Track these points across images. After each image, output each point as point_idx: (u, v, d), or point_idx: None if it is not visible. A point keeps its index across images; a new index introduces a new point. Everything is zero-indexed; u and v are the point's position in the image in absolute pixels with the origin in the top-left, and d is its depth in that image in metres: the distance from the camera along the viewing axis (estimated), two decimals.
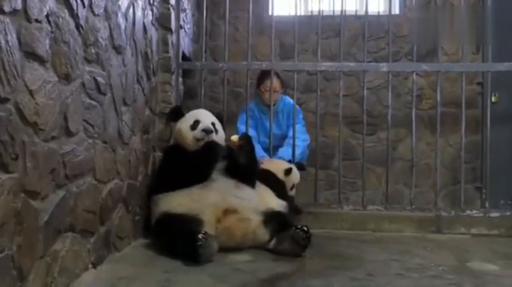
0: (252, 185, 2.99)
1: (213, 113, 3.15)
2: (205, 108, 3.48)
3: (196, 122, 2.96)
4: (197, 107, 3.52)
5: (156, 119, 3.26)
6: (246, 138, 3.02)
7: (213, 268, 2.32)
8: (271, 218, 2.74)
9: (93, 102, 2.18)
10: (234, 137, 3.04)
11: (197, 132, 2.92)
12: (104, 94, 2.30)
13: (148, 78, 3.06)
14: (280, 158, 3.57)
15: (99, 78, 2.22)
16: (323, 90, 4.29)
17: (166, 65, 3.35)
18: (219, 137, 3.01)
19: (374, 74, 4.40)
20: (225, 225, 2.65)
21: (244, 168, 2.95)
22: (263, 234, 2.69)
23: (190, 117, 3.02)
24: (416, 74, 3.56)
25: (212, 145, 2.88)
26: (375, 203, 3.57)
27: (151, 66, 3.10)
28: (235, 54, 4.23)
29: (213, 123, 3.00)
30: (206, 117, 3.03)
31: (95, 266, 2.22)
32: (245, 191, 2.91)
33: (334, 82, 4.29)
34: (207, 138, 2.89)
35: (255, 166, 3.11)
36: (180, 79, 3.58)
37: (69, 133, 1.94)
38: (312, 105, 3.96)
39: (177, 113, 3.07)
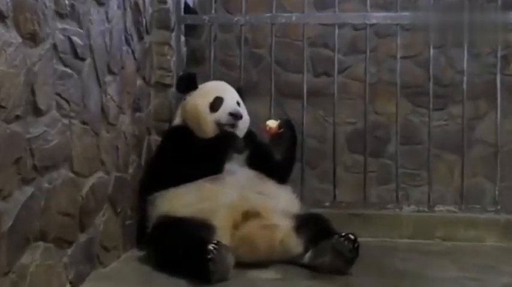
0: (283, 182, 3.02)
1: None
2: (216, 76, 3.47)
3: (218, 100, 3.01)
4: (206, 75, 3.51)
5: (152, 91, 3.28)
6: (288, 125, 3.04)
7: None
8: (305, 224, 2.76)
9: (69, 71, 2.19)
10: (272, 123, 3.01)
11: (221, 115, 2.98)
12: (83, 59, 2.31)
13: (141, 38, 3.06)
14: None
15: (75, 39, 2.23)
16: (374, 50, 4.24)
17: (163, 19, 3.36)
18: (244, 121, 3.07)
19: (444, 28, 4.32)
20: (244, 232, 2.67)
21: (279, 164, 3.00)
22: (295, 245, 2.71)
23: (208, 92, 3.06)
24: (503, 26, 3.48)
25: (230, 136, 2.94)
26: (445, 203, 3.54)
27: (144, 21, 3.11)
28: (255, 5, 4.20)
29: (238, 104, 3.07)
30: (230, 93, 3.08)
31: (74, 285, 2.25)
32: (271, 187, 2.93)
33: (390, 39, 4.23)
34: (232, 125, 2.96)
35: (294, 162, 3.15)
36: (183, 38, 3.58)
37: (37, 111, 1.95)
38: (360, 71, 3.91)
39: (189, 82, 3.09)
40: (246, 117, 3.12)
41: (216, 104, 3.00)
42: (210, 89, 3.10)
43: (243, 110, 3.10)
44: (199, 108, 3.01)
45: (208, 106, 3.00)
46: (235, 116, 2.98)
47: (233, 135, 2.96)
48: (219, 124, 2.98)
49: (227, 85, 3.17)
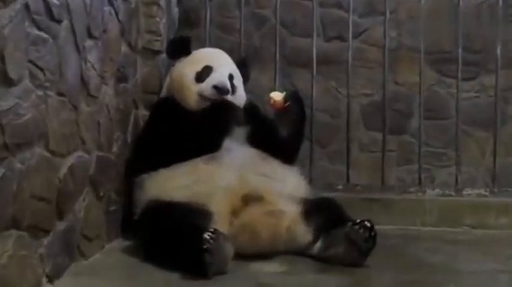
0: (290, 163, 3.03)
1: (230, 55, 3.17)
2: (212, 41, 3.46)
3: (207, 70, 3.01)
4: (201, 40, 3.51)
5: (138, 58, 3.27)
6: (295, 98, 3.03)
7: (227, 284, 2.36)
8: (315, 209, 2.77)
9: (43, 35, 2.19)
10: (277, 95, 3.01)
11: (204, 88, 2.98)
12: (59, 22, 2.30)
13: None
14: None
15: None
16: (394, 11, 4.22)
17: None
18: (237, 97, 3.05)
19: None
20: (245, 219, 2.69)
21: (285, 142, 3.01)
22: (303, 233, 2.73)
23: (198, 59, 3.06)
24: None
25: (224, 107, 2.93)
26: (475, 186, 3.55)
27: None
28: None
29: (230, 77, 3.03)
30: (223, 63, 3.07)
31: (51, 280, 2.27)
32: (276, 168, 2.95)
33: None
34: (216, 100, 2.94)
35: (302, 140, 3.16)
36: None
37: (8, 81, 1.95)
38: (378, 35, 3.90)
39: (182, 47, 3.10)
40: (240, 94, 3.11)
41: (204, 74, 3.00)
42: (201, 56, 3.10)
43: (238, 84, 3.10)
44: (184, 77, 3.02)
45: (195, 76, 3.01)
46: (220, 90, 2.95)
47: (231, 105, 2.95)
48: (202, 97, 2.98)
49: (223, 54, 3.16)
